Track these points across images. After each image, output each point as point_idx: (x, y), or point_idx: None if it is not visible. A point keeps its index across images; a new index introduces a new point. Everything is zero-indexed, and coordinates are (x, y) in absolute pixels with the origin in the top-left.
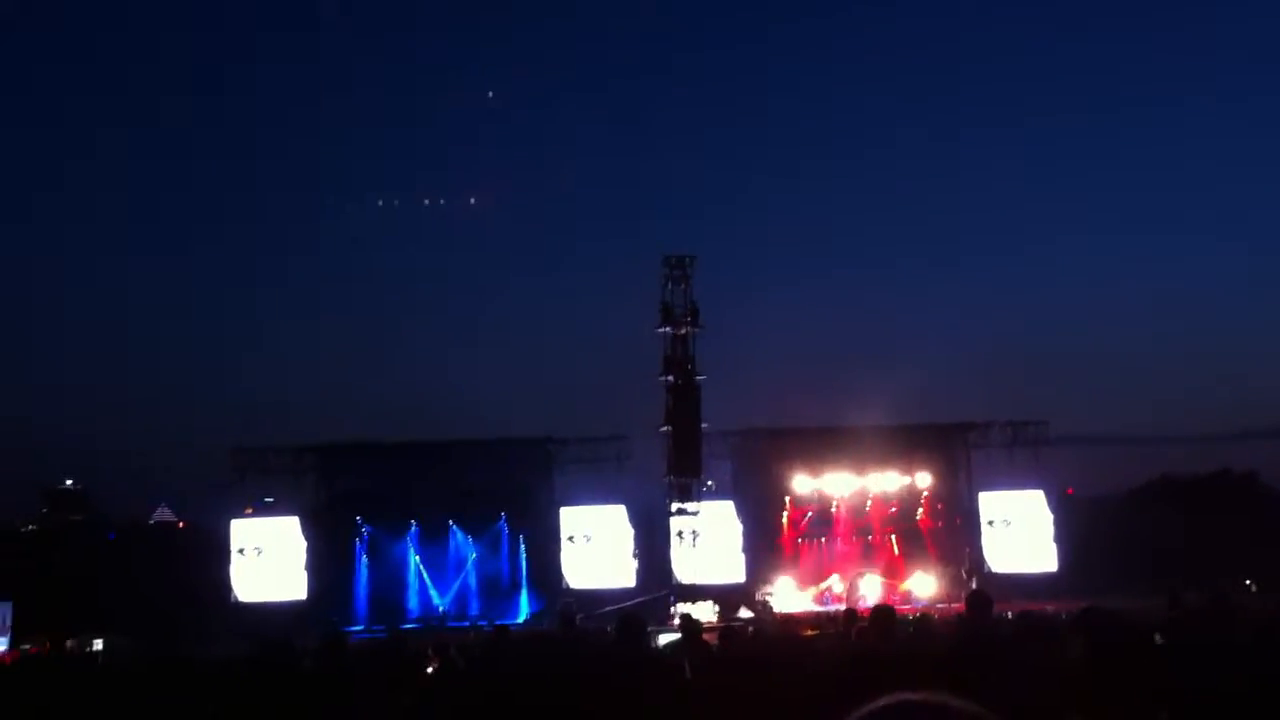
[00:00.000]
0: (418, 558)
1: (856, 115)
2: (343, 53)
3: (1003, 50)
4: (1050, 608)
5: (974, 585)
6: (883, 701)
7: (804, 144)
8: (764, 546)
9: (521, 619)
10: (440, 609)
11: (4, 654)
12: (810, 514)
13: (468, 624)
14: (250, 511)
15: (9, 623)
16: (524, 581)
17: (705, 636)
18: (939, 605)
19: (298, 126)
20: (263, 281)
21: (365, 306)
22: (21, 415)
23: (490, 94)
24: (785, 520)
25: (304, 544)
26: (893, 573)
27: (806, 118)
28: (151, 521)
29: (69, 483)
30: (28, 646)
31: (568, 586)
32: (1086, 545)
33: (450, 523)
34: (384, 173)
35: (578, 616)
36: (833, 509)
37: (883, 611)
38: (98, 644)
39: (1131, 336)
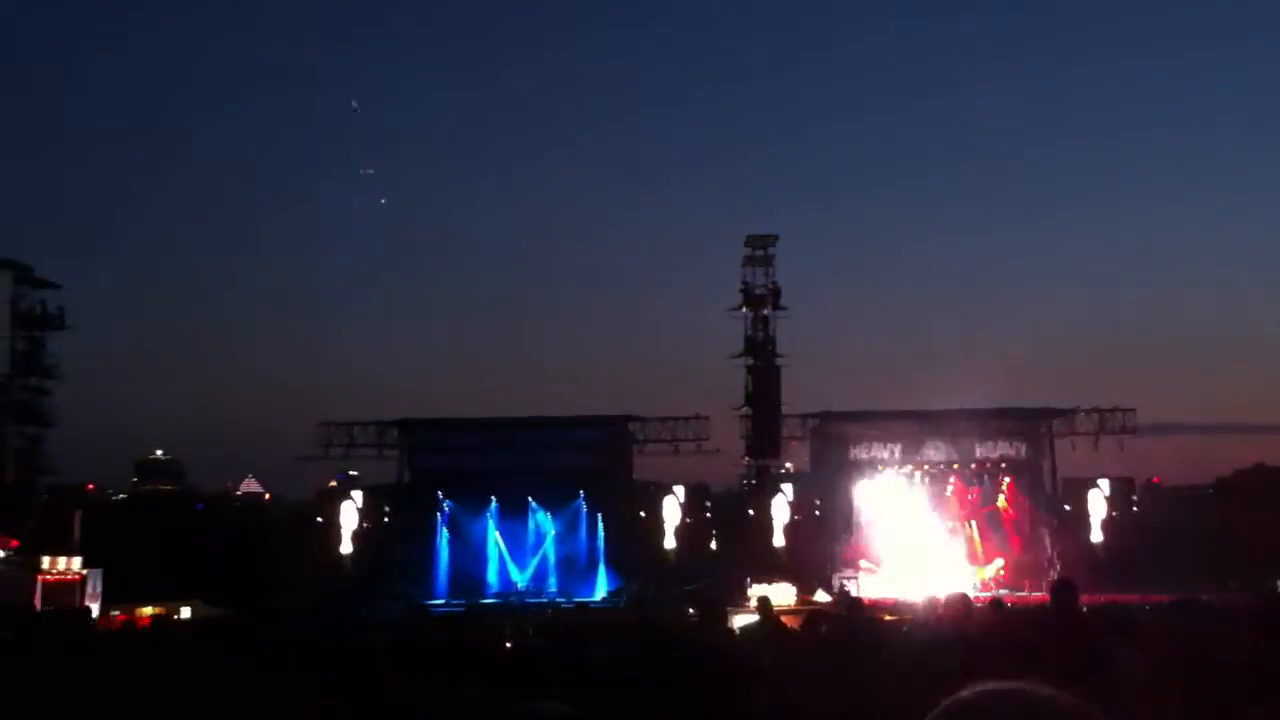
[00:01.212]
0: (497, 534)
1: (946, 100)
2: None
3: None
4: (1135, 599)
5: (1055, 573)
6: (974, 689)
7: (890, 126)
8: (842, 529)
9: (598, 597)
10: (518, 585)
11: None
12: (888, 499)
13: (545, 600)
14: (334, 484)
15: (99, 589)
16: (601, 560)
17: (783, 619)
18: (1019, 593)
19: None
20: (350, 261)
21: (448, 286)
22: (115, 386)
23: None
24: (862, 504)
25: (386, 518)
26: (973, 559)
27: (893, 101)
28: (239, 492)
29: (159, 453)
30: (116, 613)
31: (644, 566)
32: (1170, 535)
33: (530, 500)
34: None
35: (654, 596)
36: (910, 494)
37: (958, 598)
38: (185, 612)
39: (1226, 322)
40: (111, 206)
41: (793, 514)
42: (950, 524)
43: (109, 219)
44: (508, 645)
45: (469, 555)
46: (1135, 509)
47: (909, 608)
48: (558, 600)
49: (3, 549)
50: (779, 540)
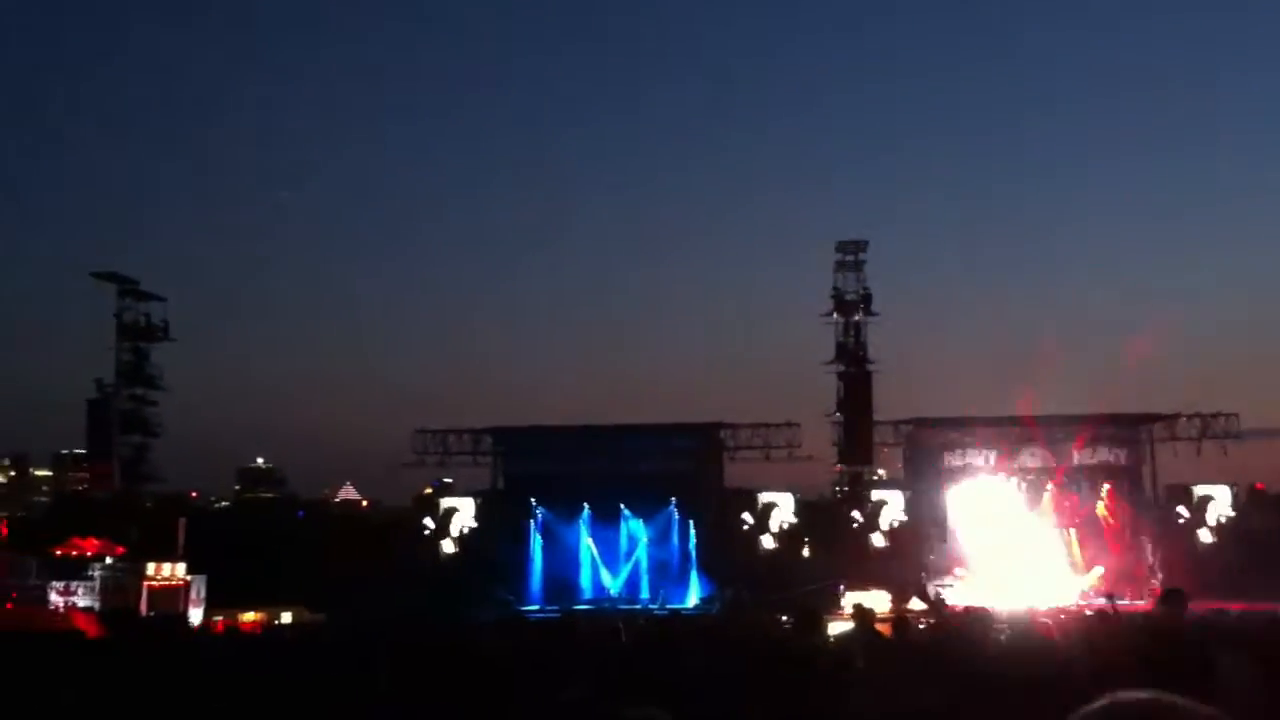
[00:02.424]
0: (590, 540)
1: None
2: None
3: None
4: (1238, 607)
5: (1157, 581)
6: (1107, 699)
7: (985, 133)
8: (936, 537)
9: (691, 604)
10: (611, 592)
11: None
12: (985, 505)
13: (638, 607)
14: (430, 491)
15: (203, 595)
16: (694, 566)
17: (878, 627)
18: (1120, 601)
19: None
20: (446, 272)
21: (542, 296)
22: (218, 396)
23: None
24: (959, 511)
25: (480, 524)
26: (1072, 567)
27: (990, 109)
28: (337, 499)
29: (260, 461)
30: (219, 619)
31: (737, 572)
32: (1274, 542)
33: (622, 507)
34: (555, 167)
35: (749, 603)
36: (1006, 501)
37: (1055, 608)
38: (286, 617)
39: None
40: (212, 221)
41: (886, 521)
42: (1047, 531)
43: (210, 232)
44: (604, 649)
45: (562, 561)
46: (1238, 516)
47: (1007, 616)
48: (650, 607)
49: (111, 555)
50: (873, 547)
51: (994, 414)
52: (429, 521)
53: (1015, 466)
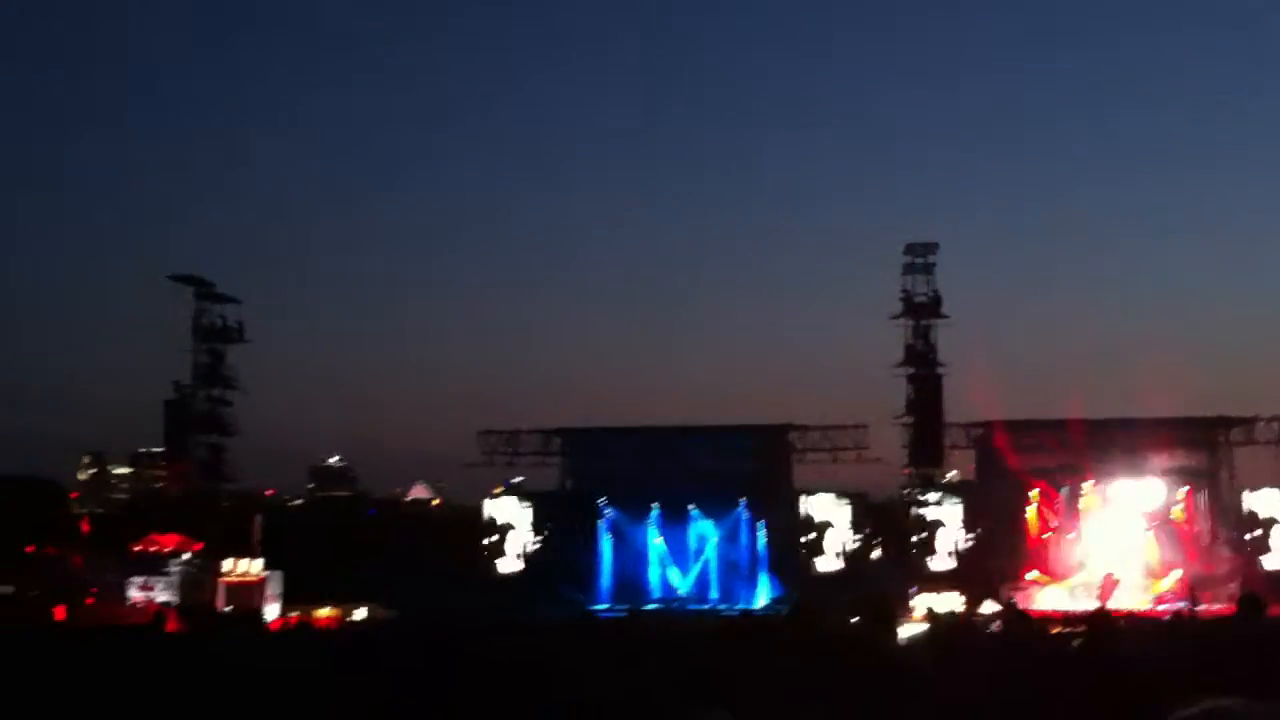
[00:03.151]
0: (659, 540)
1: (1112, 112)
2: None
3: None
4: None
5: (1236, 586)
6: (1200, 706)
7: (1055, 134)
8: (1007, 541)
9: (760, 605)
10: (680, 592)
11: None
12: (1057, 509)
13: (707, 607)
14: (499, 490)
15: (278, 591)
16: (763, 568)
17: (949, 630)
18: (1199, 607)
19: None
20: (515, 272)
21: (610, 296)
22: (291, 396)
23: None
24: (1030, 515)
25: (550, 523)
26: (1148, 572)
27: (1065, 100)
28: (408, 498)
29: (333, 460)
30: (294, 614)
31: (807, 574)
32: None
33: (690, 507)
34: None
35: (818, 604)
36: (1080, 505)
37: (1127, 612)
38: (359, 613)
39: None
40: (285, 222)
41: (957, 524)
42: (1123, 535)
43: (284, 234)
44: (673, 650)
45: (631, 561)
46: None
47: (1080, 620)
48: (719, 607)
49: (188, 552)
50: (942, 550)
51: (1067, 416)
52: (497, 521)
53: (1090, 469)
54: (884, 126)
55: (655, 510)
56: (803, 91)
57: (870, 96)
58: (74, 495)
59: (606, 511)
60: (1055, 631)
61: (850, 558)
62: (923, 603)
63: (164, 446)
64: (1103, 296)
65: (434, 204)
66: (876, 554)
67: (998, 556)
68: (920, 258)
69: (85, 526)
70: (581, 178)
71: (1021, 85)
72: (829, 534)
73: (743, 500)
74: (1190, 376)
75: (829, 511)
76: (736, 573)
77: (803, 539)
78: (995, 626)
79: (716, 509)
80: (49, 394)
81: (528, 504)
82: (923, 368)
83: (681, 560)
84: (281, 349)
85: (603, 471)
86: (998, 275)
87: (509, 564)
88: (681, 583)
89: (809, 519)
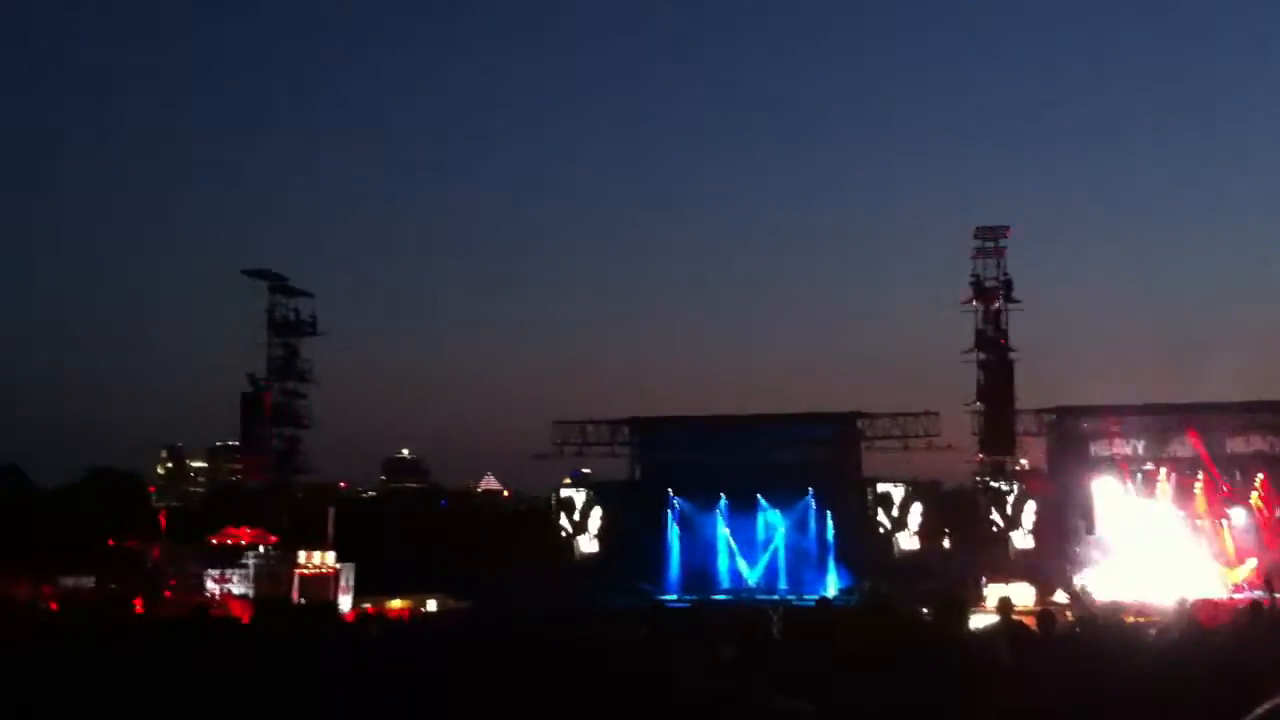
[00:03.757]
0: (727, 531)
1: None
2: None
3: None
4: None
5: None
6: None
7: (1128, 105)
8: (1081, 528)
9: (830, 594)
10: (749, 582)
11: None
12: (1133, 496)
13: (776, 598)
14: (568, 481)
15: (351, 583)
16: (832, 557)
17: (1022, 619)
18: (1277, 595)
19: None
20: (581, 265)
21: (676, 286)
22: (364, 389)
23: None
24: (1104, 502)
25: (618, 514)
26: (1224, 559)
27: (1135, 76)
28: (479, 489)
29: (405, 452)
30: (367, 606)
31: (876, 563)
32: None
33: (758, 497)
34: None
35: (889, 594)
36: (1156, 491)
37: (1207, 602)
38: (431, 604)
39: None
40: (358, 218)
41: (1029, 512)
42: (1198, 523)
43: (355, 228)
44: (748, 640)
45: (699, 551)
46: None
47: (1155, 610)
48: (789, 597)
49: (264, 544)
50: (1014, 539)
51: (1142, 401)
52: (567, 511)
53: (1165, 456)
54: (952, 109)
55: (723, 500)
56: (868, 74)
57: (937, 78)
58: (152, 489)
59: (675, 502)
60: (1130, 621)
61: (920, 547)
62: (994, 592)
63: (240, 440)
64: (1179, 278)
65: (504, 199)
66: (946, 543)
67: (1070, 545)
68: (990, 241)
69: (163, 520)
70: (644, 168)
71: (1098, 56)
72: (898, 523)
73: (811, 489)
74: (1269, 359)
75: (898, 500)
76: (805, 563)
77: (871, 528)
78: (1069, 614)
79: (784, 499)
80: (127, 390)
81: (596, 495)
82: (994, 353)
83: (749, 551)
84: (353, 343)
85: (670, 461)
86: (1072, 257)
87: (577, 555)
88: (750, 573)
89: (878, 508)
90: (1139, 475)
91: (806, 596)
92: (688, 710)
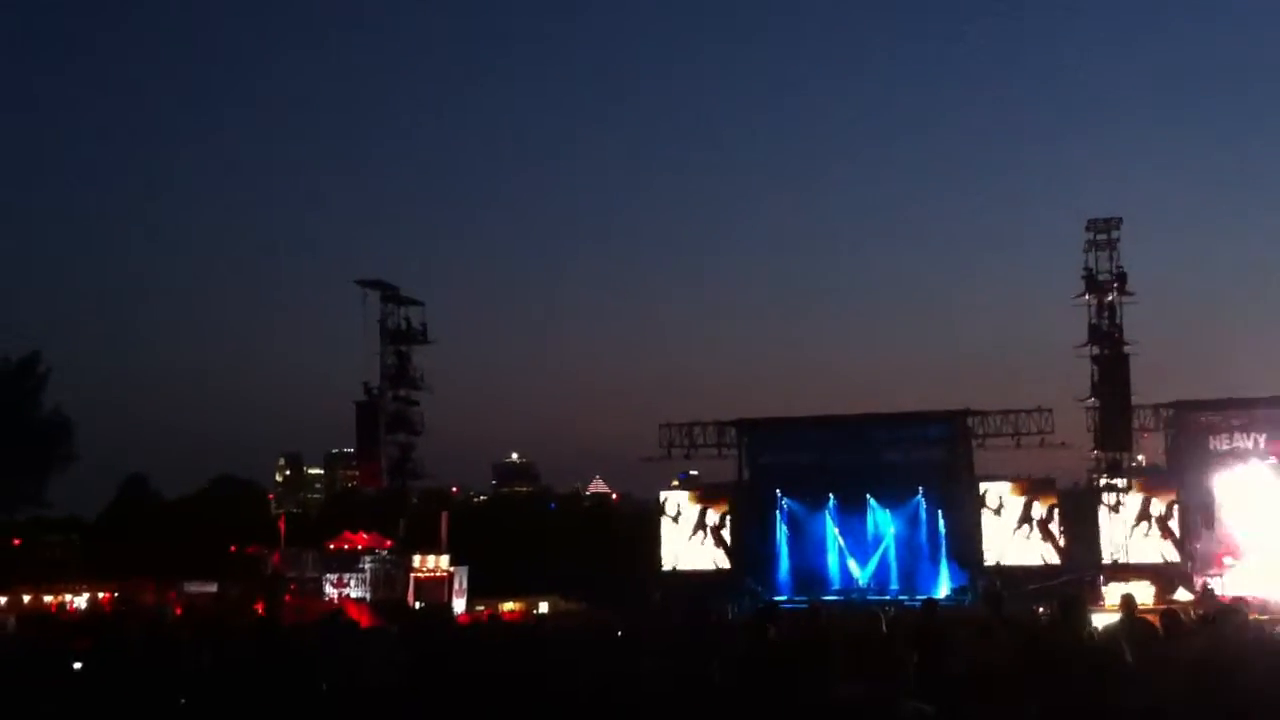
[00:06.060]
0: (836, 531)
1: None
2: None
3: None
4: None
5: None
6: None
7: (1247, 96)
8: (1203, 525)
9: (943, 594)
10: (860, 582)
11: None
12: (1254, 491)
13: (888, 598)
14: (677, 484)
15: (465, 586)
16: (944, 557)
17: (1146, 619)
18: None
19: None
20: (688, 266)
21: (784, 286)
22: (474, 395)
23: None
24: (1227, 498)
25: (728, 516)
26: None
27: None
28: (588, 492)
29: (515, 456)
30: (482, 608)
31: (989, 563)
32: None
33: (868, 497)
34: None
35: (1004, 593)
36: (1276, 486)
37: None
38: (542, 607)
39: None
40: (465, 225)
41: (1149, 509)
42: None
43: (463, 236)
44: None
45: (809, 552)
46: None
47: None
48: (900, 598)
49: (380, 548)
50: (1133, 537)
51: (1265, 394)
52: (675, 513)
53: None
54: (1065, 97)
55: (832, 501)
56: (975, 63)
57: (1051, 67)
58: (271, 496)
59: (784, 503)
60: (1255, 618)
61: (1037, 545)
62: (1112, 591)
63: (355, 447)
64: None
65: (610, 204)
66: (1061, 541)
67: (1191, 542)
68: (1103, 234)
69: (282, 526)
70: (741, 170)
71: (1211, 44)
72: (1014, 521)
73: (921, 488)
74: None
75: (1011, 499)
76: (918, 562)
77: (986, 526)
78: (1195, 614)
79: (895, 498)
80: (246, 399)
81: (704, 496)
82: (1108, 347)
83: (860, 550)
84: (463, 350)
85: (779, 462)
86: (1188, 248)
87: (684, 557)
88: (861, 573)
89: (993, 506)
90: (1263, 469)
91: (918, 597)
92: (817, 714)
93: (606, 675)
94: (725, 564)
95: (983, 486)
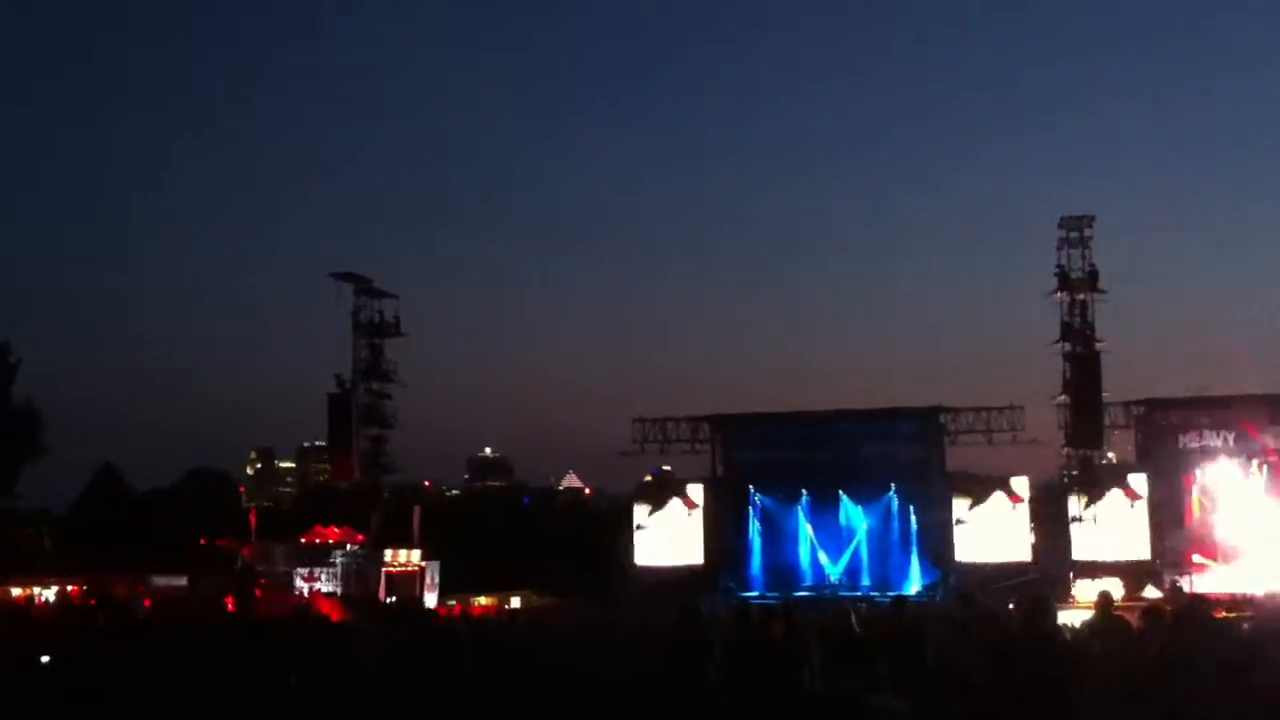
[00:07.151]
0: (809, 527)
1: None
2: None
3: None
4: None
5: None
6: None
7: (1214, 93)
8: (1170, 523)
9: (913, 591)
10: (832, 579)
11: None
12: (1223, 489)
13: (859, 594)
14: (650, 479)
15: (437, 580)
16: (915, 553)
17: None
18: None
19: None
20: (663, 264)
21: (756, 282)
22: (448, 389)
23: None
24: (1195, 495)
25: (700, 512)
26: None
27: (1221, 61)
28: (560, 487)
29: (489, 451)
30: (453, 603)
31: (960, 561)
32: None
33: (840, 492)
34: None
35: (973, 590)
36: (1249, 484)
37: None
38: (515, 602)
39: None
40: (441, 220)
41: (1115, 507)
42: None
43: (437, 230)
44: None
45: (781, 548)
46: None
47: (1248, 604)
48: (872, 594)
49: (352, 543)
50: (1101, 534)
51: (1233, 392)
52: (647, 509)
53: (1258, 447)
54: (1035, 96)
55: (804, 497)
56: (946, 64)
57: (1018, 67)
58: (242, 490)
59: (757, 498)
60: (1221, 615)
61: (1006, 542)
62: (1083, 588)
63: (327, 440)
64: (1268, 264)
65: (586, 201)
66: (1032, 538)
67: (1160, 540)
68: (1075, 231)
69: (253, 519)
70: (715, 168)
71: (1182, 44)
72: (985, 518)
73: (893, 485)
74: None
75: (983, 494)
76: (889, 558)
77: (956, 523)
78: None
79: (867, 494)
80: (217, 391)
81: (676, 491)
82: (1080, 345)
83: (832, 546)
84: (437, 343)
85: (752, 458)
86: (1159, 247)
87: (657, 553)
88: (833, 569)
89: (963, 503)
90: (1232, 467)
91: (890, 593)
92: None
93: (602, 678)
94: (698, 559)
95: (955, 483)
